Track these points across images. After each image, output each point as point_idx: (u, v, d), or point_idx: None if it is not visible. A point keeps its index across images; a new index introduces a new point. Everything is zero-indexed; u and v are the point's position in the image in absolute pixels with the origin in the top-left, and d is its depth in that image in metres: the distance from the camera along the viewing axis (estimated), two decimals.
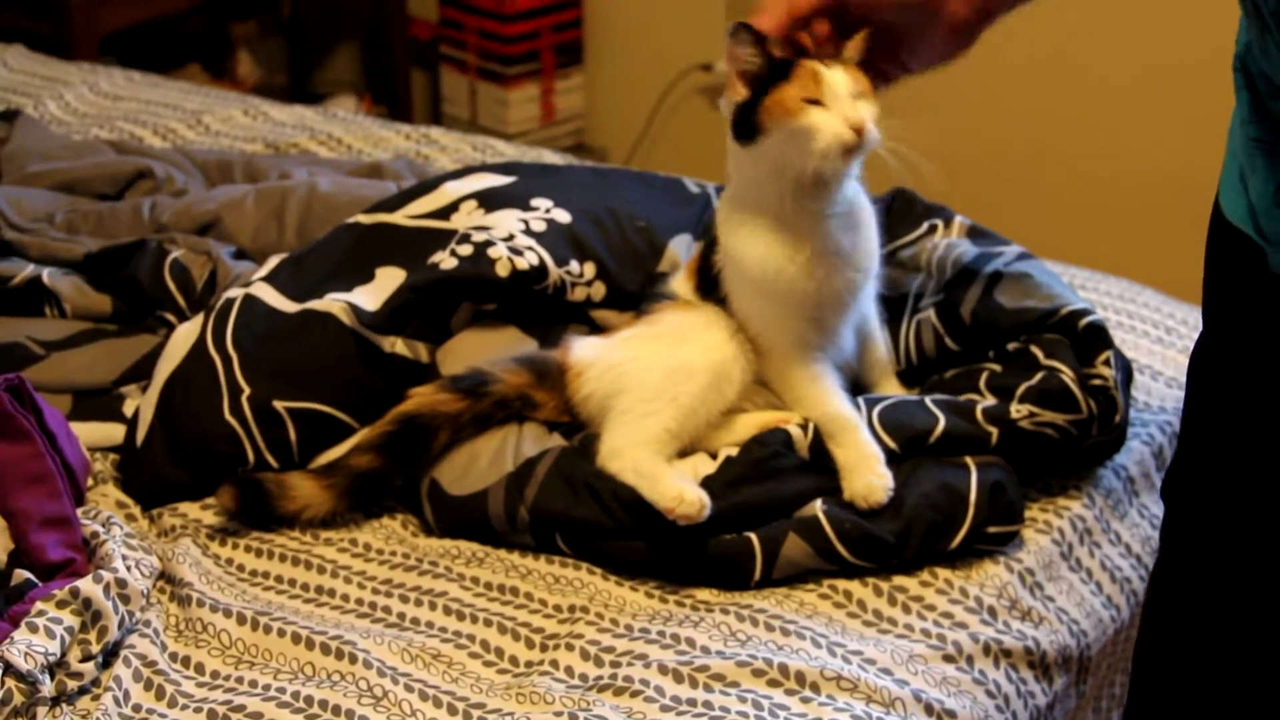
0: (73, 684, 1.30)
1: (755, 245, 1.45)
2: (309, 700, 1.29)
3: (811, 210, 1.43)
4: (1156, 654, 1.26)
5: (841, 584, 1.42)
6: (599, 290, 1.63)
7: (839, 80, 1.37)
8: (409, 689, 1.31)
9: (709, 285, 1.51)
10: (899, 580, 1.43)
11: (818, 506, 1.43)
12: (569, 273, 1.62)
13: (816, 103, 1.37)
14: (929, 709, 1.31)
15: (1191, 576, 1.23)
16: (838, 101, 1.37)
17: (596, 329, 1.63)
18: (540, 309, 1.62)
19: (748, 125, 1.40)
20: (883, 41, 1.38)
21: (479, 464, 1.49)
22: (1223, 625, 1.22)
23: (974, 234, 1.70)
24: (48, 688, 1.27)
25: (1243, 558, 1.20)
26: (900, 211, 1.72)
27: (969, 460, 1.47)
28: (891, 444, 1.46)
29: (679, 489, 1.40)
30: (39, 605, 1.31)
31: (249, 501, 1.49)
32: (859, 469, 1.43)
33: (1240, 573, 1.20)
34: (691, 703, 1.29)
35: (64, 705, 1.29)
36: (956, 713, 1.32)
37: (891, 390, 1.57)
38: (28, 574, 1.36)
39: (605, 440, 1.46)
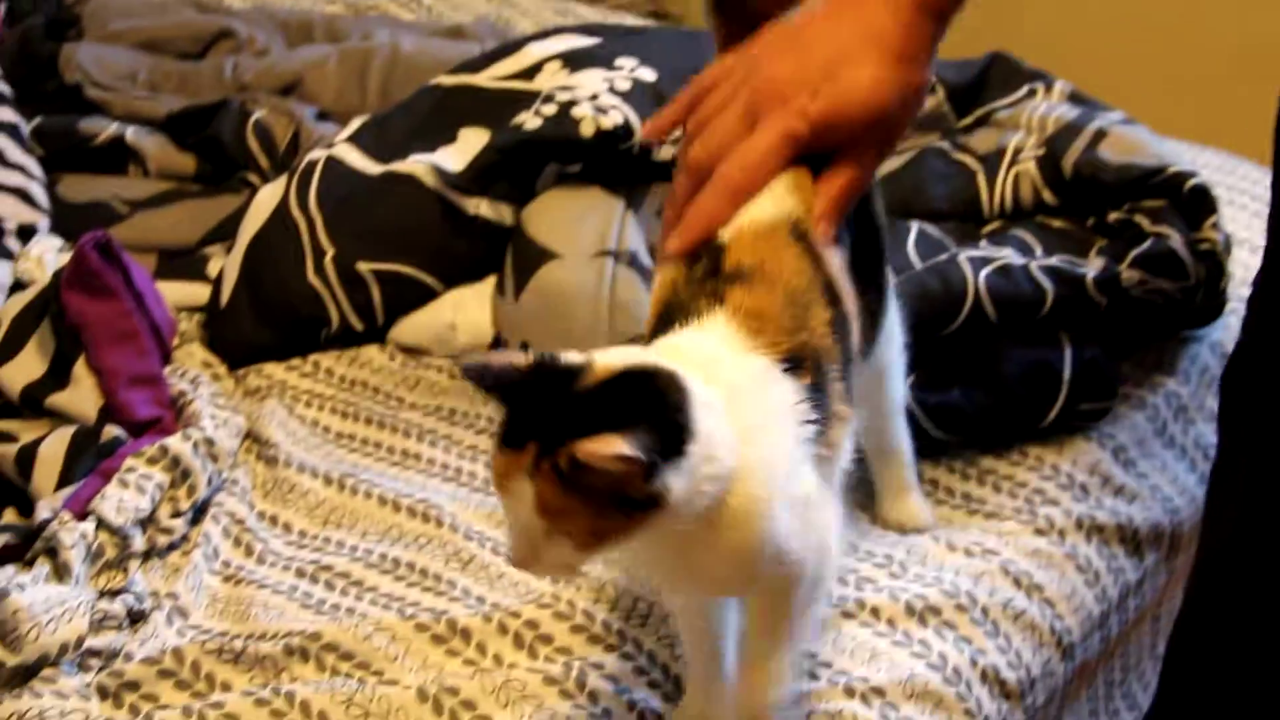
0: (163, 539, 1.30)
1: None
2: (396, 562, 1.29)
3: None
4: (1220, 562, 1.22)
5: (928, 471, 1.38)
6: None
7: None
8: (495, 553, 1.31)
9: None
10: (988, 463, 1.40)
11: None
12: None
13: None
14: (1017, 581, 1.30)
15: (1255, 476, 1.18)
16: None
17: None
18: (626, 168, 1.59)
19: None
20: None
21: None
22: None
23: (1075, 99, 1.65)
24: (139, 542, 1.28)
25: None
26: (999, 76, 1.68)
27: (1063, 336, 1.43)
28: (994, 314, 1.40)
29: None
30: (129, 461, 1.31)
31: None
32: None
33: None
34: None
35: (155, 559, 1.30)
36: (1044, 586, 1.31)
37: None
38: (118, 430, 1.36)
39: None
